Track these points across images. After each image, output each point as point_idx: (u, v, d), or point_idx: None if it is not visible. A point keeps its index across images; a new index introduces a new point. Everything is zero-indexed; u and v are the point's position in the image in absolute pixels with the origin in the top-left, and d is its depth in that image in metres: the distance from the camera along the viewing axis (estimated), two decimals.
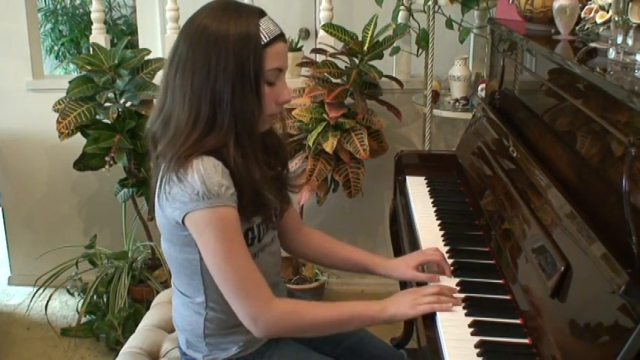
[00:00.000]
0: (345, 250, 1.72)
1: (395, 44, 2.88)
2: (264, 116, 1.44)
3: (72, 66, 4.97)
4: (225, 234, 1.37)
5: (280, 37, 1.42)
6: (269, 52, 1.39)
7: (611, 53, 1.47)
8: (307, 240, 1.73)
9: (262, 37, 1.38)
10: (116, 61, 2.72)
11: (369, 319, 1.49)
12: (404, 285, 2.13)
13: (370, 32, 2.69)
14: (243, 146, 1.40)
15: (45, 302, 2.83)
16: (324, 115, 2.69)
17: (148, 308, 1.98)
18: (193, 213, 1.35)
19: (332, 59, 2.76)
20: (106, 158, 2.66)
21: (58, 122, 2.68)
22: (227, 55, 1.36)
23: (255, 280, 1.40)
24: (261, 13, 1.43)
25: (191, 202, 1.34)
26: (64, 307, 3.12)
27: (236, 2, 1.44)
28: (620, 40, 1.43)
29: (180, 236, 1.42)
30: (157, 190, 1.43)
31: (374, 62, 2.73)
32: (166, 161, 1.39)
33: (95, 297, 2.79)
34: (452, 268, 1.62)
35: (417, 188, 2.14)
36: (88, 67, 2.71)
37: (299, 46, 3.07)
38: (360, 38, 2.72)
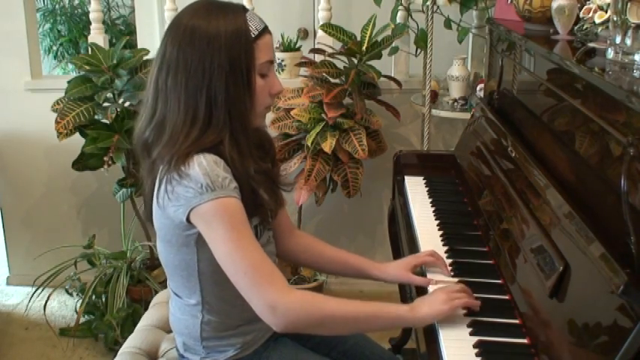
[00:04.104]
0: (338, 254, 1.71)
1: (393, 44, 2.88)
2: (259, 109, 1.47)
3: (70, 66, 4.96)
4: (233, 222, 1.36)
5: (266, 29, 1.45)
6: (259, 45, 1.42)
7: (610, 53, 1.47)
8: (299, 243, 1.71)
9: (251, 31, 1.41)
10: (114, 61, 2.72)
11: (395, 318, 1.43)
12: (402, 289, 2.14)
13: (369, 32, 2.69)
14: (238, 142, 1.41)
15: (43, 302, 2.82)
16: (323, 115, 2.69)
17: (146, 308, 1.98)
18: (199, 207, 1.34)
19: (330, 59, 2.76)
20: (105, 158, 2.66)
21: (57, 122, 2.68)
22: (220, 53, 1.37)
23: (269, 268, 1.38)
24: (245, 9, 1.45)
25: (195, 197, 1.34)
26: (63, 307, 3.12)
27: (218, 1, 1.45)
28: (618, 40, 1.43)
29: (180, 236, 1.42)
30: (155, 192, 1.43)
31: (372, 62, 2.73)
32: (165, 163, 1.38)
33: (94, 297, 2.79)
34: (450, 268, 1.62)
35: (416, 188, 2.14)
36: (87, 67, 2.71)
37: (297, 46, 3.06)
38: (358, 38, 2.72)
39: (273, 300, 1.35)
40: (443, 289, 1.46)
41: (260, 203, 1.47)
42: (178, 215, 1.37)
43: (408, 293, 1.72)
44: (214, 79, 1.38)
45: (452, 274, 1.61)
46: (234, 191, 1.37)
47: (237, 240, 1.36)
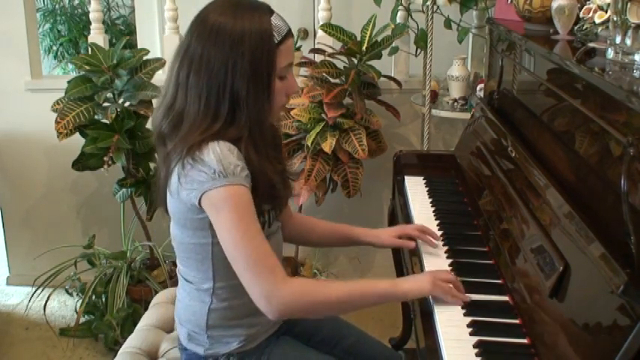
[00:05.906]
0: (328, 225, 1.80)
1: (393, 44, 2.88)
2: (275, 109, 1.49)
3: (70, 66, 4.96)
4: (241, 211, 1.38)
5: (290, 33, 1.46)
6: (282, 50, 1.44)
7: (610, 53, 1.47)
8: (295, 224, 1.76)
9: (275, 36, 1.42)
10: (114, 61, 2.72)
11: (382, 294, 1.47)
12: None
13: (369, 32, 2.69)
14: (256, 142, 1.44)
15: (43, 302, 2.82)
16: (323, 115, 2.69)
17: (146, 308, 1.98)
18: (210, 192, 1.37)
19: (330, 59, 2.76)
20: (105, 158, 2.66)
21: (57, 122, 2.67)
22: (243, 56, 1.39)
23: (270, 258, 1.40)
24: (270, 10, 1.46)
25: (208, 182, 1.36)
26: (63, 307, 3.12)
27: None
28: (618, 40, 1.44)
29: (194, 220, 1.44)
30: (169, 177, 1.44)
31: (372, 62, 2.73)
32: (180, 151, 1.40)
33: (94, 297, 2.79)
34: (450, 268, 1.62)
35: (416, 188, 2.14)
36: (87, 67, 2.71)
37: (298, 46, 3.06)
38: (358, 38, 2.72)
39: (270, 290, 1.38)
40: (430, 271, 1.55)
41: (277, 195, 1.51)
42: (191, 199, 1.40)
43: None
44: (236, 81, 1.40)
45: (442, 243, 1.74)
46: (245, 179, 1.39)
47: (244, 228, 1.38)
